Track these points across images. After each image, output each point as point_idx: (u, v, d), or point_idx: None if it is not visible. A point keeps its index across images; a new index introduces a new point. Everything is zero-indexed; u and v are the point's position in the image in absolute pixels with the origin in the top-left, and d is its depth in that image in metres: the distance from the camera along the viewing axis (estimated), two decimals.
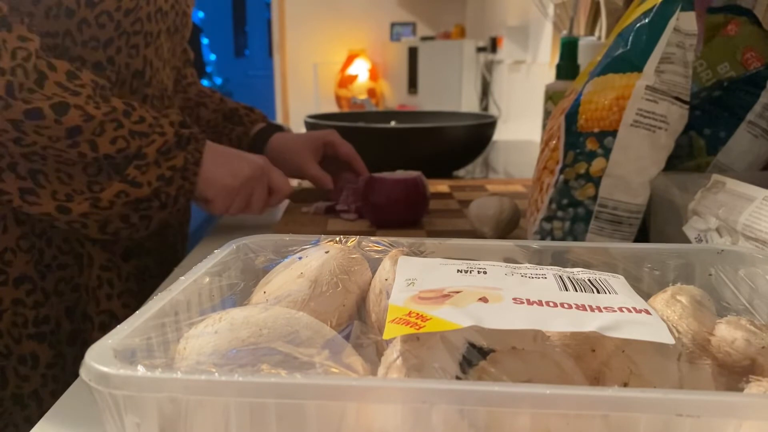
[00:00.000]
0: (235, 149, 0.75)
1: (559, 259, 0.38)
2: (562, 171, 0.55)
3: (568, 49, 1.06)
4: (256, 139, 0.90)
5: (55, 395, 0.42)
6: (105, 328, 0.70)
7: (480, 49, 2.74)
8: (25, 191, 0.62)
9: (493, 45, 2.60)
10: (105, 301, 0.72)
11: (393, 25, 3.32)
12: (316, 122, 1.13)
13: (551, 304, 0.28)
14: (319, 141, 0.89)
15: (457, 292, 0.29)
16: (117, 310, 0.72)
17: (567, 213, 0.56)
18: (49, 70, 0.59)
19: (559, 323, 0.27)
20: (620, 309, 0.28)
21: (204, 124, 0.92)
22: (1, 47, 0.56)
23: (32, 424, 0.38)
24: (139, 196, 0.64)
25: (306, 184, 1.03)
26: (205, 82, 4.80)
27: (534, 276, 0.32)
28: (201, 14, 5.40)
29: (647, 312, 0.28)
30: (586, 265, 0.36)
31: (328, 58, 3.36)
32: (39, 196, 0.62)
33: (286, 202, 0.90)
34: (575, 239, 0.55)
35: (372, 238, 0.39)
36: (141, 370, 0.23)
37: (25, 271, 0.66)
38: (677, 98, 0.51)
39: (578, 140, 0.54)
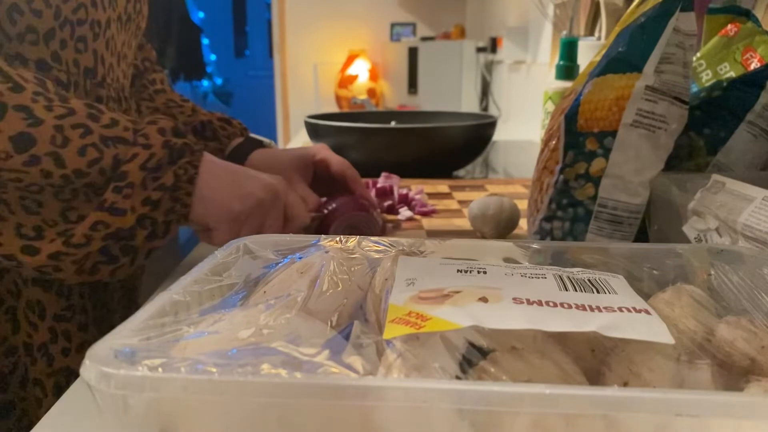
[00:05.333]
0: (243, 166, 0.62)
1: (559, 259, 0.38)
2: (561, 171, 0.55)
3: (568, 49, 1.06)
4: (233, 157, 0.76)
5: None
6: (61, 391, 0.57)
7: (480, 50, 2.74)
8: None
9: (493, 45, 2.60)
10: (61, 357, 0.59)
11: (393, 25, 3.31)
12: (316, 122, 1.13)
13: (551, 304, 0.28)
14: (308, 159, 0.74)
15: (457, 292, 0.30)
16: (77, 365, 0.58)
17: (567, 213, 0.56)
18: None
19: (559, 323, 0.27)
20: (620, 309, 0.28)
21: None
22: None
23: None
24: (122, 225, 0.51)
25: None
26: (205, 83, 4.80)
27: (534, 276, 0.32)
28: (201, 14, 5.40)
29: (647, 312, 0.28)
30: (586, 265, 0.36)
31: (328, 58, 3.36)
32: (0, 232, 0.49)
33: None
34: (575, 239, 0.55)
35: (372, 238, 0.39)
36: (141, 370, 0.23)
37: None
38: (677, 98, 0.51)
39: (578, 140, 0.54)
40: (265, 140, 0.82)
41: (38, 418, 0.58)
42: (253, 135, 0.81)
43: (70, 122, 0.49)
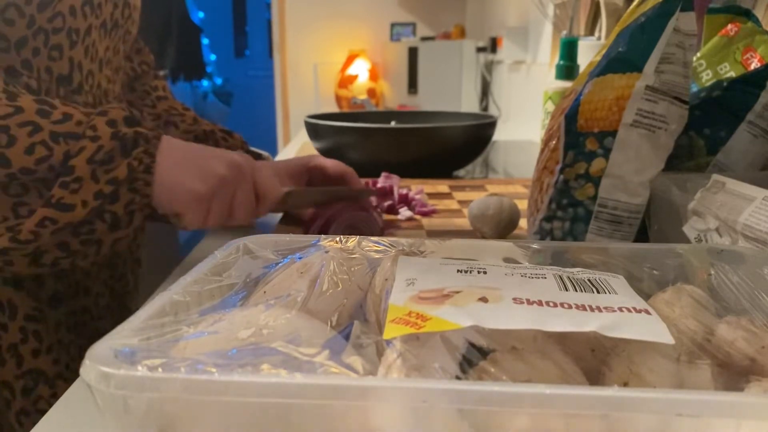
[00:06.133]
0: (206, 145, 0.61)
1: (559, 259, 0.38)
2: (562, 171, 0.55)
3: (568, 49, 1.06)
4: None
5: None
6: (29, 393, 0.59)
7: (480, 50, 2.74)
8: None
9: (493, 45, 2.60)
10: (30, 359, 0.58)
11: (393, 25, 3.31)
12: (316, 122, 1.13)
13: (551, 304, 0.28)
14: (302, 168, 0.75)
15: (457, 292, 0.29)
16: (47, 367, 0.59)
17: (567, 213, 0.56)
18: None
19: (559, 323, 0.27)
20: (620, 309, 0.28)
21: None
22: None
23: None
24: (71, 220, 0.51)
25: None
26: (205, 83, 4.79)
27: (534, 276, 0.32)
28: (201, 14, 5.40)
29: (647, 312, 0.28)
30: (586, 265, 0.36)
31: (328, 58, 3.36)
32: None
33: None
34: (575, 239, 0.55)
35: (372, 238, 0.39)
36: (141, 370, 0.23)
37: None
38: (677, 98, 0.51)
39: (578, 140, 0.54)
40: (264, 153, 0.84)
41: (8, 421, 0.58)
42: (252, 148, 0.83)
43: (17, 121, 0.49)
